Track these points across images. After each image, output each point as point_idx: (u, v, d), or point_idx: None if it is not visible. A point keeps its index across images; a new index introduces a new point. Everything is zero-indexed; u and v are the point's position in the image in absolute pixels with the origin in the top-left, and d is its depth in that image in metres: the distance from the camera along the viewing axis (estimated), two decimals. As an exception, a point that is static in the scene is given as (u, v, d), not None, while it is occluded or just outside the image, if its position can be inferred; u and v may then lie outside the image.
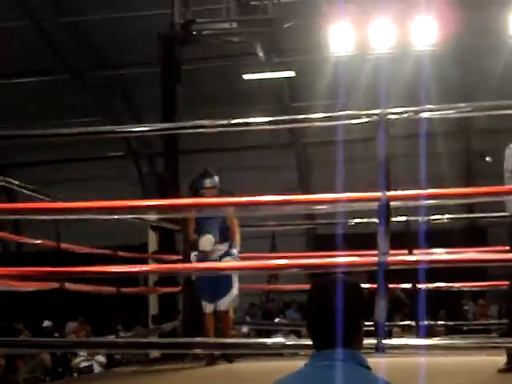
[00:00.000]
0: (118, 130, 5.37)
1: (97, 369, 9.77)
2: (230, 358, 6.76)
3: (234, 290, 6.85)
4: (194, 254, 6.91)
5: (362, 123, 5.13)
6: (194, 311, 7.77)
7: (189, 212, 6.19)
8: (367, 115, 4.98)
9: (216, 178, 6.96)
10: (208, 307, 6.85)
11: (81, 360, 10.19)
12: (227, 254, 6.79)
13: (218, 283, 6.70)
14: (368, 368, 2.24)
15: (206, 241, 6.76)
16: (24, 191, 6.20)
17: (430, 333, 8.49)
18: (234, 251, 6.81)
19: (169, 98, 10.00)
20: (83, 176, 17.02)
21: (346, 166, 16.25)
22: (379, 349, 4.33)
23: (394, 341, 5.14)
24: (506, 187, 5.11)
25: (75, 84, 16.54)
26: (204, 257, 6.73)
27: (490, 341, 5.50)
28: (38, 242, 6.87)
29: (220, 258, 6.75)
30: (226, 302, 6.82)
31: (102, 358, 10.01)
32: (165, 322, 8.25)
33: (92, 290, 6.97)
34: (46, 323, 12.22)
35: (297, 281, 9.75)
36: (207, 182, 6.89)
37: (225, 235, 6.88)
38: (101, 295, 11.39)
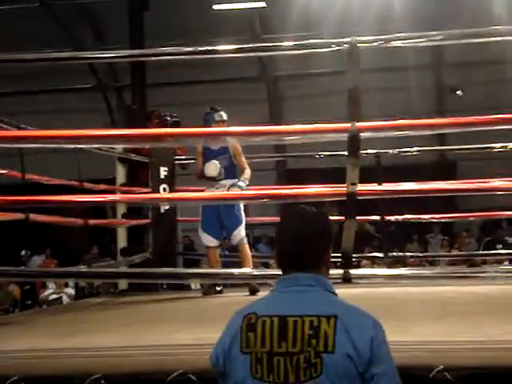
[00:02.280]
0: (83, 56, 5.21)
1: (66, 301, 9.77)
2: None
3: (243, 221, 6.82)
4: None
5: (332, 54, 5.06)
6: (164, 243, 7.78)
7: (156, 143, 6.09)
8: (338, 43, 4.90)
9: (224, 114, 6.84)
10: (211, 241, 6.81)
11: (50, 292, 10.19)
12: (234, 185, 6.70)
13: (227, 215, 6.70)
14: (334, 293, 2.24)
15: (211, 165, 6.71)
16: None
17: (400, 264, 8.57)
18: (242, 184, 6.69)
19: (136, 27, 9.82)
20: (50, 108, 16.75)
21: (318, 99, 16.23)
22: (346, 278, 4.35)
23: (361, 271, 5.17)
24: (475, 118, 5.05)
25: (44, 14, 16.14)
26: (209, 185, 6.71)
27: (457, 270, 5.55)
28: (3, 171, 6.74)
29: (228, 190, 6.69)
30: (239, 234, 6.78)
31: (70, 290, 10.02)
32: (134, 255, 8.23)
33: (58, 221, 6.90)
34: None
35: (267, 214, 9.74)
36: (217, 116, 6.78)
37: (232, 172, 6.81)
38: (68, 229, 11.33)
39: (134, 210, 8.27)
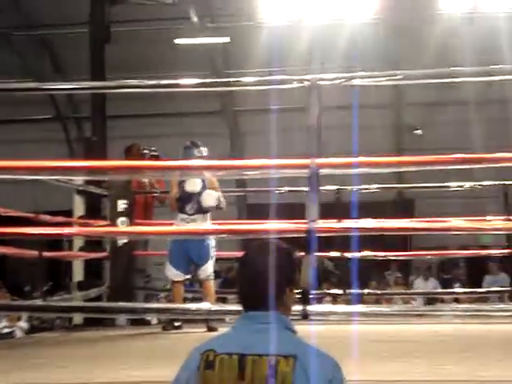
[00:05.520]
0: (45, 87, 5.15)
1: (19, 335, 9.57)
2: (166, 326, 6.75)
3: (213, 257, 6.77)
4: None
5: (294, 91, 5.08)
6: (121, 277, 7.69)
7: (117, 175, 6.03)
8: (299, 80, 4.92)
9: (204, 150, 6.79)
10: (177, 275, 6.73)
11: (2, 326, 9.98)
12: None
13: (196, 250, 6.63)
14: (294, 332, 2.21)
15: (210, 195, 6.66)
16: None
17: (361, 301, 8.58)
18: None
19: (97, 59, 9.81)
20: (8, 139, 16.55)
21: (280, 135, 16.24)
22: (304, 315, 4.31)
23: (320, 307, 5.13)
24: (432, 157, 5.10)
25: (2, 44, 16.03)
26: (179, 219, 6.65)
27: (415, 308, 5.55)
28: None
29: None
30: (207, 270, 6.72)
31: (24, 324, 9.82)
32: (90, 289, 8.10)
33: (12, 253, 6.77)
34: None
35: (226, 249, 9.70)
36: (196, 152, 6.72)
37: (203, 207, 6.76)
38: (23, 261, 11.14)
39: (93, 243, 8.17)
